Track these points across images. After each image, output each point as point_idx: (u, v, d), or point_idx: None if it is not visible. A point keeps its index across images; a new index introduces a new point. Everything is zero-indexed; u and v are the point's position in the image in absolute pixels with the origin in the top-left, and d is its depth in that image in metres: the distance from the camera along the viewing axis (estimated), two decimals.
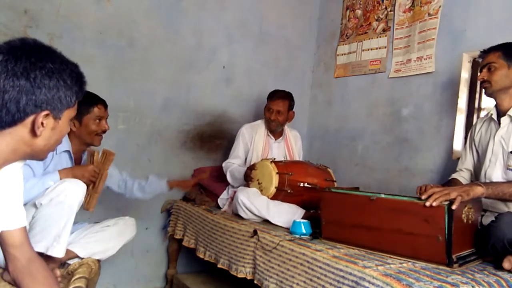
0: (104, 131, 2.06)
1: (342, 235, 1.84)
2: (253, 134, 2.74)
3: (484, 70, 1.86)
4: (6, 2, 2.29)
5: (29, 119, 0.98)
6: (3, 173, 1.08)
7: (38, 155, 1.08)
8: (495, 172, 1.85)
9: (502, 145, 1.84)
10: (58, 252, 1.62)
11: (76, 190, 1.67)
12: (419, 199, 1.58)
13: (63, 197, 1.63)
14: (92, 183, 1.89)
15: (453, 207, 1.50)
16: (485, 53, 1.88)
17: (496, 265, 1.60)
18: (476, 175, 2.03)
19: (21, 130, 0.99)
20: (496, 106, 1.92)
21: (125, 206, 2.72)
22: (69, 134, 1.99)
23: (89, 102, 1.97)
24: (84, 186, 1.73)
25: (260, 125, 2.78)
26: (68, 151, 1.98)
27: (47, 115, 1.00)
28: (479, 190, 1.58)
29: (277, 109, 2.67)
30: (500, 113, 1.88)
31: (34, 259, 1.20)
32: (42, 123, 0.99)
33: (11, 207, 1.14)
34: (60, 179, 1.76)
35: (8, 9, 2.30)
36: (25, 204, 1.56)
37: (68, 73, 1.02)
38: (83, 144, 2.04)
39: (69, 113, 1.07)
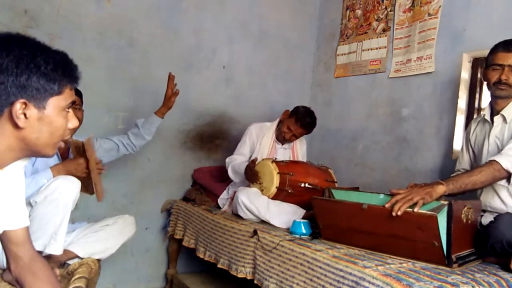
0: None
1: (340, 237, 1.84)
2: (260, 135, 2.71)
3: (507, 70, 1.75)
4: (6, 2, 2.29)
5: (7, 110, 0.96)
6: (6, 173, 1.07)
7: (39, 151, 1.04)
8: None
9: (497, 144, 1.83)
10: (55, 250, 1.62)
11: (70, 186, 1.67)
12: (410, 206, 1.56)
13: (57, 194, 1.62)
14: (88, 174, 1.88)
15: (415, 209, 1.52)
16: (509, 50, 1.75)
17: (502, 266, 1.60)
18: None
19: (5, 124, 0.97)
20: (491, 105, 1.90)
21: (125, 205, 2.72)
22: None
23: None
24: (78, 182, 1.72)
25: (270, 127, 2.74)
26: None
27: (24, 104, 0.96)
28: (441, 189, 1.59)
29: (296, 134, 2.63)
30: (494, 112, 1.87)
31: (36, 258, 1.21)
32: (25, 114, 0.96)
33: (14, 207, 1.14)
34: (54, 175, 1.76)
35: (8, 9, 2.29)
36: None
37: (43, 59, 0.97)
38: None
39: (56, 102, 1.01)
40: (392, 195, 1.65)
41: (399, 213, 1.53)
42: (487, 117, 1.89)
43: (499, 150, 1.80)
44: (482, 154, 1.89)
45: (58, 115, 1.02)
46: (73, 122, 1.08)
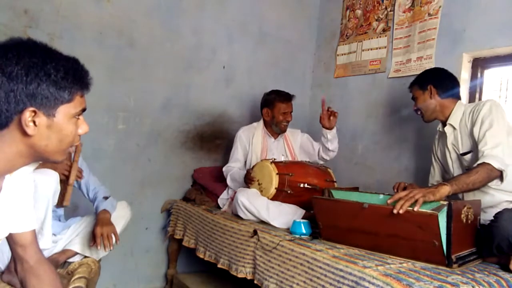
0: None
1: (340, 238, 1.84)
2: (250, 136, 2.73)
3: (414, 102, 2.14)
4: (6, 2, 2.29)
5: (17, 118, 0.95)
6: (15, 177, 1.08)
7: (48, 157, 1.03)
8: None
9: (455, 150, 2.01)
10: (44, 244, 1.62)
11: (46, 179, 1.67)
12: (411, 205, 1.56)
13: (35, 188, 1.62)
14: (65, 177, 1.87)
15: (415, 208, 1.53)
16: (410, 88, 2.15)
17: (502, 266, 1.60)
18: None
19: (14, 131, 0.96)
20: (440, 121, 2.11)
21: None
22: None
23: None
24: (56, 175, 1.72)
25: (257, 127, 2.77)
26: None
27: (34, 112, 0.95)
28: (445, 190, 1.63)
29: (291, 110, 2.70)
30: (444, 124, 2.06)
31: (42, 261, 1.22)
32: (34, 122, 0.95)
33: (22, 210, 1.15)
34: None
35: (8, 9, 2.29)
36: None
37: (53, 66, 0.95)
38: None
39: (66, 109, 1.00)
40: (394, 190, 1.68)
41: (400, 211, 1.54)
42: (441, 129, 2.08)
43: (458, 156, 1.99)
44: (448, 163, 2.06)
45: (68, 123, 1.01)
46: (83, 128, 1.07)
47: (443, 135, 2.08)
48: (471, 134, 1.89)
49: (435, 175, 2.20)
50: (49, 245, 1.66)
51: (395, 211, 1.55)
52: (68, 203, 1.88)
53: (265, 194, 2.32)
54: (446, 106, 2.02)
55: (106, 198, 2.08)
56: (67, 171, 1.86)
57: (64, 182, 1.89)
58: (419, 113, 2.12)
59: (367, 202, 1.71)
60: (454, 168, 2.03)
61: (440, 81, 2.05)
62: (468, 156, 1.93)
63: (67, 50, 1.06)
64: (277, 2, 3.35)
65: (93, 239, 1.89)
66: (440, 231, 1.50)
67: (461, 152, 1.96)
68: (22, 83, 0.93)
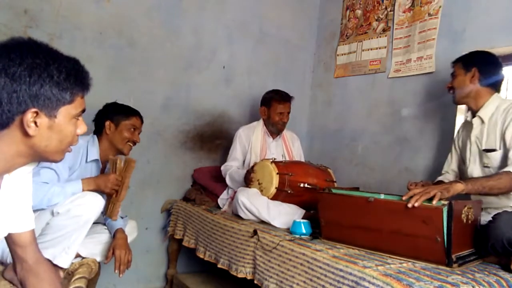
0: (135, 143, 2.11)
1: (341, 236, 1.84)
2: (250, 135, 2.74)
3: (451, 80, 2.04)
4: (6, 2, 2.29)
5: (18, 118, 0.95)
6: (13, 177, 1.08)
7: (48, 157, 1.03)
8: (475, 171, 1.93)
9: (477, 144, 1.93)
10: (64, 263, 1.63)
11: (94, 205, 1.68)
12: (427, 201, 1.57)
13: (81, 211, 1.63)
14: (115, 192, 1.91)
15: (433, 202, 1.53)
16: (454, 63, 2.04)
17: (502, 266, 1.60)
18: (461, 175, 2.09)
19: (15, 131, 0.96)
20: (469, 109, 2.03)
21: (125, 205, 2.69)
22: (100, 138, 2.04)
23: (130, 111, 2.11)
24: (102, 201, 1.74)
25: (257, 126, 2.78)
26: (97, 160, 2.00)
27: (36, 113, 0.95)
28: (459, 187, 1.62)
29: (288, 111, 2.70)
30: (473, 114, 1.98)
31: (42, 261, 1.22)
32: (35, 123, 0.95)
33: (20, 210, 1.15)
34: (83, 188, 1.78)
35: (8, 9, 2.29)
36: (41, 210, 1.59)
37: (56, 67, 0.96)
38: (112, 150, 2.06)
39: (68, 110, 1.01)
40: (408, 189, 1.68)
41: (416, 204, 1.54)
42: (469, 119, 2.00)
43: (479, 150, 1.91)
44: (466, 154, 1.99)
45: (68, 123, 1.02)
46: (82, 128, 1.07)
47: (469, 125, 1.98)
48: (501, 134, 1.80)
49: (452, 163, 2.14)
50: (67, 265, 1.66)
51: (409, 205, 1.55)
52: (116, 218, 1.96)
53: (265, 194, 2.32)
54: (481, 96, 1.91)
55: (121, 217, 2.10)
56: (117, 186, 1.90)
57: (112, 196, 1.93)
58: (451, 92, 2.01)
59: (372, 196, 1.73)
60: (470, 161, 1.95)
61: (487, 67, 1.91)
62: (491, 154, 1.84)
63: (67, 50, 1.06)
64: (277, 2, 3.35)
65: (110, 256, 1.94)
66: (444, 226, 1.51)
67: (483, 147, 1.88)
68: (25, 84, 0.93)
